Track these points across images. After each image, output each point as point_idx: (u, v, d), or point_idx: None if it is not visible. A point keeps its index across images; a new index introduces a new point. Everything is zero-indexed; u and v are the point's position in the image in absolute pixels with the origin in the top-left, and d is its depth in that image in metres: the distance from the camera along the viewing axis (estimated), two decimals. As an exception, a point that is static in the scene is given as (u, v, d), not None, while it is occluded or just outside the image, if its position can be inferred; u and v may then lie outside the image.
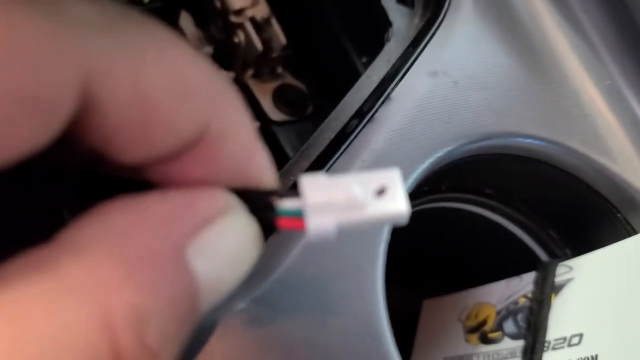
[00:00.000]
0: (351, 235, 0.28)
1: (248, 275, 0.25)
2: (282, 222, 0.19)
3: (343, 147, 0.30)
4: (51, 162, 0.19)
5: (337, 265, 0.27)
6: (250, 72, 0.46)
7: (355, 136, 0.30)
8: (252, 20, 0.45)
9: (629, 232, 0.36)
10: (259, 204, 0.19)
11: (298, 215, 0.18)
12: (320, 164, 0.30)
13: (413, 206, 0.36)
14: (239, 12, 0.45)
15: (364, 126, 0.31)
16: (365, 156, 0.30)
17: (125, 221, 0.16)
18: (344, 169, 0.29)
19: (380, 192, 0.19)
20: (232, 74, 0.47)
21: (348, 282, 0.27)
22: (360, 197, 0.18)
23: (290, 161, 0.30)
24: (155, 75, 0.16)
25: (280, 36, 0.46)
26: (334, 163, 0.29)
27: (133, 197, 0.17)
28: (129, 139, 0.16)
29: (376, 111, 0.31)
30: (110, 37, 0.15)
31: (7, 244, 0.16)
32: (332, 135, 0.31)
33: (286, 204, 0.19)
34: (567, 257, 0.38)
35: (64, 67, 0.14)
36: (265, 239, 0.22)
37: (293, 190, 0.19)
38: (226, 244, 0.18)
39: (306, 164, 0.30)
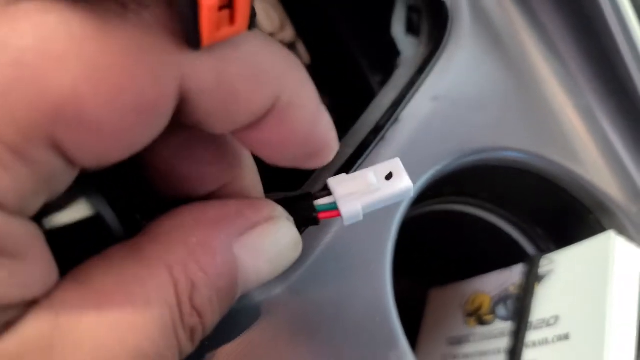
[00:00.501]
0: (364, 235, 0.32)
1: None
2: (322, 215, 0.24)
3: (359, 162, 0.33)
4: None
5: (352, 259, 0.31)
6: (278, 88, 0.51)
7: (370, 153, 0.34)
8: (281, 43, 0.50)
9: (599, 229, 0.39)
10: (303, 207, 0.23)
11: (333, 208, 0.23)
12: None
13: (418, 208, 0.41)
14: (269, 36, 0.50)
15: (376, 144, 0.34)
16: None
17: (191, 219, 0.20)
18: None
19: (389, 176, 0.24)
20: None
21: (362, 272, 0.31)
22: (375, 183, 0.23)
23: (316, 172, 0.34)
24: (233, 66, 0.17)
25: (304, 56, 0.50)
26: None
27: (200, 203, 0.21)
28: (215, 119, 0.18)
29: (387, 131, 0.35)
30: None
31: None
32: (351, 151, 0.34)
33: (322, 202, 0.24)
34: (551, 251, 0.41)
35: (167, 77, 0.16)
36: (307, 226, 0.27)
37: (324, 190, 0.24)
38: (266, 244, 0.22)
39: (329, 175, 0.33)
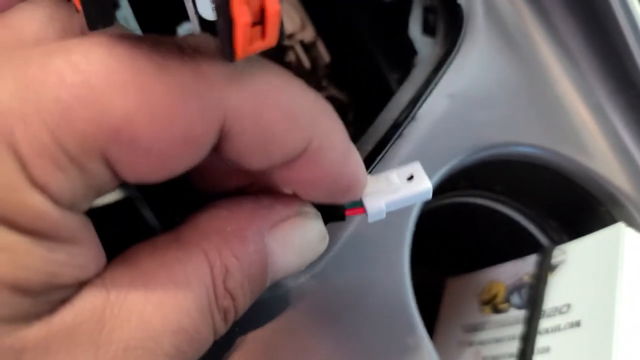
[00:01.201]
0: (384, 227, 0.33)
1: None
2: (348, 212, 0.25)
3: (378, 158, 0.35)
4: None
5: (373, 250, 0.33)
6: (299, 86, 0.53)
7: (388, 149, 0.36)
8: (301, 42, 0.52)
9: (610, 221, 0.40)
10: (330, 204, 0.25)
11: (358, 205, 0.25)
12: None
13: (435, 201, 0.42)
14: (290, 36, 0.51)
15: (395, 141, 0.36)
16: (395, 164, 0.35)
17: (226, 211, 0.22)
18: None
19: (410, 178, 0.25)
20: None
21: (382, 262, 0.33)
22: (397, 183, 0.25)
23: None
24: (271, 110, 0.19)
25: (325, 55, 0.52)
26: (371, 172, 0.34)
27: (235, 197, 0.23)
28: (251, 157, 0.20)
29: (404, 128, 0.36)
30: (238, 85, 0.18)
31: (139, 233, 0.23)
32: (370, 148, 0.36)
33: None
34: (564, 242, 0.42)
35: (213, 116, 0.18)
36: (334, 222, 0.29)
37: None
38: (295, 237, 0.23)
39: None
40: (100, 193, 0.19)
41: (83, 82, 0.16)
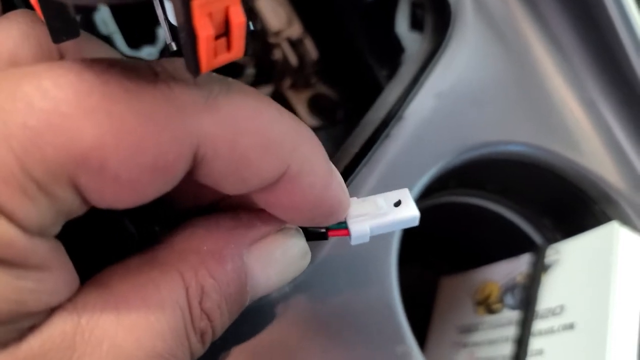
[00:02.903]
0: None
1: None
2: (331, 233, 0.25)
3: (365, 160, 0.34)
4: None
5: (359, 257, 0.32)
6: (287, 83, 0.51)
7: (375, 150, 0.35)
8: (288, 39, 0.51)
9: (605, 219, 0.40)
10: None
11: (342, 227, 0.24)
12: (346, 174, 0.34)
13: (424, 202, 0.42)
14: (277, 33, 0.50)
15: (382, 141, 0.35)
16: (382, 167, 0.34)
17: (204, 229, 0.22)
18: (366, 178, 0.34)
19: (397, 204, 0.25)
20: (271, 86, 0.53)
21: (368, 269, 0.32)
22: (384, 207, 0.25)
23: None
24: (246, 137, 0.18)
25: (312, 52, 0.51)
26: (357, 174, 0.34)
27: (213, 214, 0.23)
28: (227, 182, 0.19)
29: (391, 128, 0.36)
30: (212, 112, 0.18)
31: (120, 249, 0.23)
32: (356, 150, 0.35)
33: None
34: (558, 241, 0.42)
35: (185, 143, 0.17)
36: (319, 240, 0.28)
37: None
38: (276, 254, 0.23)
39: (335, 173, 0.35)
40: (70, 217, 0.18)
41: (52, 108, 0.16)
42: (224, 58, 0.18)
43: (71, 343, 0.18)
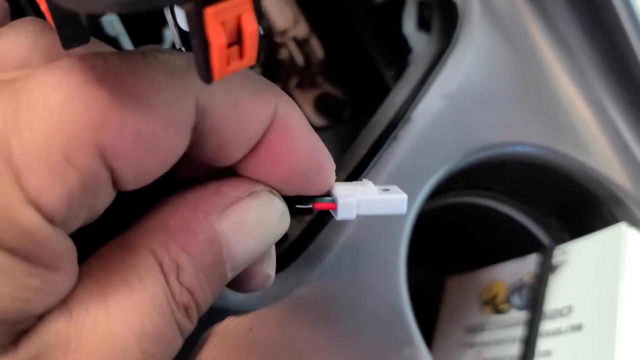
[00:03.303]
0: (378, 234, 0.33)
1: (302, 267, 0.31)
2: (317, 205, 0.24)
3: (373, 162, 0.34)
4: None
5: (368, 258, 0.32)
6: (293, 83, 0.51)
7: (383, 152, 0.35)
8: (294, 39, 0.51)
9: (613, 220, 0.40)
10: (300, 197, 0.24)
11: (330, 201, 0.24)
12: (355, 175, 0.34)
13: (432, 202, 0.42)
14: (283, 33, 0.50)
15: (389, 143, 0.35)
16: (390, 168, 0.35)
17: (169, 205, 0.22)
18: (374, 179, 0.32)
19: (386, 190, 0.25)
20: (277, 86, 0.53)
21: (377, 270, 0.32)
22: (374, 189, 0.25)
23: None
24: (236, 85, 0.20)
25: (318, 52, 0.51)
26: (365, 175, 0.34)
27: (180, 191, 0.22)
28: (231, 135, 0.20)
29: (399, 130, 0.36)
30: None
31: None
32: (364, 151, 0.35)
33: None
34: (565, 241, 0.42)
35: (187, 97, 0.19)
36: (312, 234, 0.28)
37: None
38: (249, 218, 0.22)
39: (343, 175, 0.35)
40: (96, 200, 0.18)
41: (66, 80, 0.17)
42: (237, 65, 0.18)
43: (66, 337, 0.18)
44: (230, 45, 0.17)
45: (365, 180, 0.26)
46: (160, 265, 0.20)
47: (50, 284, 0.18)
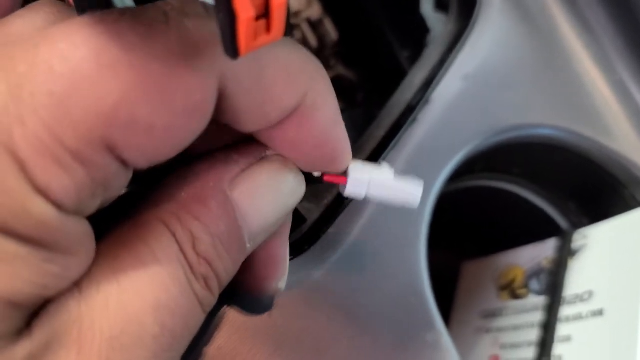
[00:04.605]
0: (398, 218, 0.32)
1: (321, 251, 0.30)
2: (327, 177, 0.23)
3: (392, 144, 0.34)
4: None
5: (388, 242, 0.32)
6: (306, 65, 0.51)
7: (402, 134, 0.34)
8: (308, 20, 0.50)
9: (635, 204, 0.39)
10: None
11: (342, 174, 0.23)
12: (373, 158, 0.34)
13: (450, 186, 0.41)
14: (296, 14, 0.50)
15: (409, 126, 0.35)
16: (409, 151, 0.34)
17: (178, 178, 0.21)
18: (393, 162, 0.33)
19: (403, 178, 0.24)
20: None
21: (397, 255, 0.32)
22: (389, 171, 0.24)
23: None
24: (268, 67, 0.18)
25: (332, 33, 0.50)
26: (384, 158, 0.33)
27: (190, 164, 0.22)
28: (249, 115, 0.19)
29: (418, 112, 0.35)
30: None
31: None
32: (383, 133, 0.35)
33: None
34: (584, 226, 0.41)
35: (210, 78, 0.17)
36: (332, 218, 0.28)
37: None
38: (263, 183, 0.22)
39: (361, 157, 0.34)
40: (109, 189, 0.18)
41: (73, 70, 0.15)
42: (264, 40, 0.17)
43: (78, 315, 0.18)
44: (257, 18, 0.17)
45: (384, 164, 0.25)
46: (174, 235, 0.20)
47: (69, 270, 0.17)
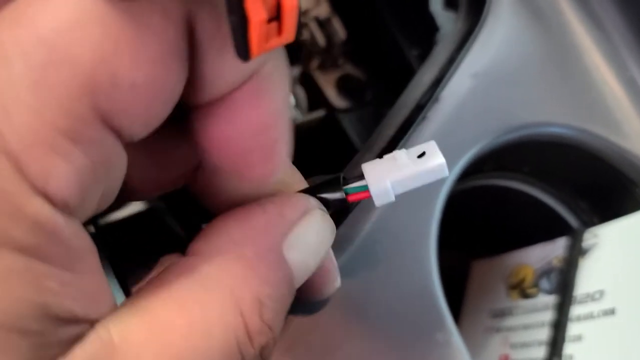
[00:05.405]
0: (408, 217, 0.32)
1: (333, 250, 0.30)
2: (351, 198, 0.23)
3: (401, 143, 0.34)
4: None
5: (398, 241, 0.32)
6: (315, 64, 0.50)
7: (412, 133, 0.34)
8: (316, 19, 0.50)
9: (646, 203, 0.39)
10: (332, 191, 0.23)
11: (363, 189, 0.23)
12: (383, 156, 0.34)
13: (460, 185, 0.41)
14: (304, 13, 0.49)
15: (418, 124, 0.34)
16: None
17: (240, 232, 0.20)
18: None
19: (421, 155, 0.23)
20: (299, 67, 0.52)
21: (407, 254, 0.32)
22: (406, 161, 0.22)
23: (357, 154, 0.34)
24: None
25: (340, 32, 0.50)
26: None
27: (241, 212, 0.21)
28: (212, 74, 0.17)
29: (428, 111, 0.35)
30: None
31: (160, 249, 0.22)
32: (392, 133, 0.34)
33: (352, 184, 0.23)
34: (594, 224, 0.41)
35: (178, 15, 0.16)
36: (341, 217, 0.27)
37: (356, 177, 0.23)
38: (308, 237, 0.21)
39: (371, 157, 0.34)
40: (110, 168, 0.17)
41: (41, 43, 0.14)
42: (275, 42, 0.17)
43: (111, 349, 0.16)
44: (269, 20, 0.17)
45: (396, 152, 0.23)
46: (239, 304, 0.19)
47: (68, 288, 0.16)
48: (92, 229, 0.24)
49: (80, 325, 0.16)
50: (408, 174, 0.22)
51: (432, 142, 0.23)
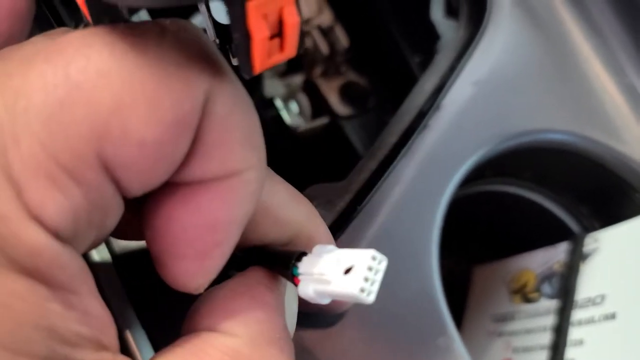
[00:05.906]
0: (410, 224, 0.33)
1: None
2: (297, 280, 0.21)
3: (403, 151, 0.34)
4: None
5: (399, 248, 0.32)
6: (318, 72, 0.51)
7: (413, 141, 0.35)
8: (319, 27, 0.50)
9: (646, 208, 0.39)
10: (284, 268, 0.22)
11: (296, 275, 0.21)
12: (385, 165, 0.34)
13: (461, 191, 0.41)
14: (307, 21, 0.50)
15: (419, 132, 0.35)
16: (420, 157, 0.34)
17: (244, 304, 0.21)
18: (404, 169, 0.34)
19: (347, 271, 0.20)
20: (302, 75, 0.53)
21: (409, 260, 0.32)
22: (328, 275, 0.20)
23: (361, 161, 0.34)
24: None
25: (343, 40, 0.51)
26: (396, 164, 0.34)
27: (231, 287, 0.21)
28: (210, 152, 0.17)
29: (429, 119, 0.35)
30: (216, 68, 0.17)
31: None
32: (394, 140, 0.35)
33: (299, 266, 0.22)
34: (595, 229, 0.41)
35: (199, 90, 0.16)
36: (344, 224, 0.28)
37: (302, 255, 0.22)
38: (289, 311, 0.23)
39: (374, 164, 0.34)
40: (105, 214, 0.17)
41: (65, 80, 0.15)
42: (277, 58, 0.18)
43: None
44: (271, 37, 0.17)
45: (338, 254, 0.21)
46: None
47: (72, 311, 0.16)
48: (109, 257, 0.24)
49: (99, 353, 0.17)
50: (327, 290, 0.20)
51: (368, 254, 0.19)
